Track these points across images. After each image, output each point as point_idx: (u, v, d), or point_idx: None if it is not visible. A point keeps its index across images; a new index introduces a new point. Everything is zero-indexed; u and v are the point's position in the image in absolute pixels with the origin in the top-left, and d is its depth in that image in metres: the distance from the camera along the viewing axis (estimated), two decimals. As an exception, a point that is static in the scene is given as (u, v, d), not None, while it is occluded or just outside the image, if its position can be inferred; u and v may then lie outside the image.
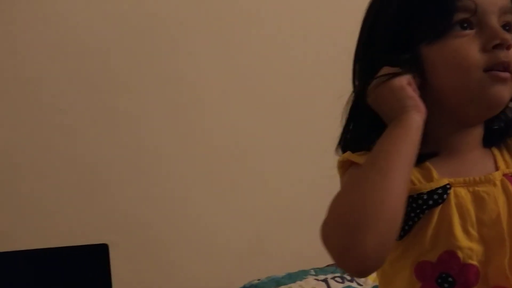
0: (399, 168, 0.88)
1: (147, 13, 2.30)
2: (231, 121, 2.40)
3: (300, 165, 2.43)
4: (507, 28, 0.98)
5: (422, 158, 0.97)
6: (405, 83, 0.94)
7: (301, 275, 2.21)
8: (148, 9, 2.30)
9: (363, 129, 1.01)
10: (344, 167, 0.99)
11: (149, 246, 2.30)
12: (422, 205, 0.94)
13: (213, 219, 2.37)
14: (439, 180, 0.95)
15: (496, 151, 1.02)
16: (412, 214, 0.95)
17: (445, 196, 0.94)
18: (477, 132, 1.01)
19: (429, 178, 0.97)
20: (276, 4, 2.44)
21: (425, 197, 0.94)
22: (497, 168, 0.99)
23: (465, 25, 0.95)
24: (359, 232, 0.84)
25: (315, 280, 2.17)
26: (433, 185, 0.95)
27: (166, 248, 2.32)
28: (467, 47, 0.94)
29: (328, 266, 2.29)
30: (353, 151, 0.99)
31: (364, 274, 0.90)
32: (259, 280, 2.22)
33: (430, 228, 0.94)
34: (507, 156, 1.02)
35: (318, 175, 2.25)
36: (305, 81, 2.45)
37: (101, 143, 2.26)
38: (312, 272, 2.24)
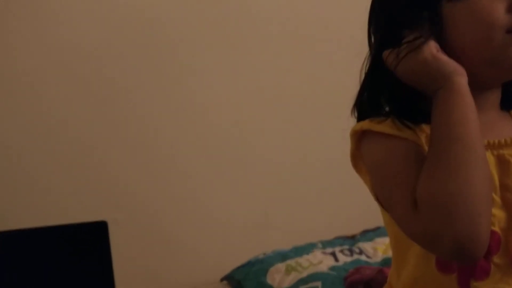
0: (478, 136, 0.85)
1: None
2: (234, 96, 2.36)
3: (305, 139, 2.41)
4: None
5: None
6: (435, 50, 0.90)
7: (308, 248, 2.18)
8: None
9: (381, 94, 0.96)
10: (357, 135, 0.95)
11: (150, 223, 2.28)
12: None
13: (216, 193, 2.35)
14: None
15: None
16: None
17: None
18: (495, 95, 0.97)
19: None
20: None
21: None
22: None
23: None
24: (479, 217, 0.81)
25: (323, 254, 2.13)
26: None
27: (167, 225, 2.30)
28: (493, 5, 0.90)
29: (335, 238, 2.26)
30: (368, 117, 0.95)
31: (480, 258, 0.85)
32: (264, 254, 2.19)
33: None
34: None
35: (324, 149, 2.24)
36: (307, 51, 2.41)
37: (99, 121, 2.23)
38: (320, 245, 2.21)
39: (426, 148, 0.90)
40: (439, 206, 0.82)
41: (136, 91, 2.27)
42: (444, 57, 0.90)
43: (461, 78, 0.88)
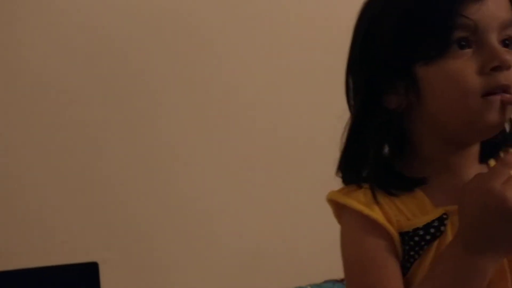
0: None
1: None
2: (219, 126, 2.35)
3: (295, 182, 2.41)
4: (507, 43, 0.92)
5: (412, 185, 0.92)
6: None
7: (298, 291, 2.18)
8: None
9: (362, 161, 0.95)
10: (336, 206, 0.95)
11: (141, 264, 2.26)
12: (419, 241, 0.90)
13: (207, 234, 2.33)
14: (434, 210, 0.91)
15: (493, 164, 0.97)
16: (412, 253, 0.91)
17: (442, 228, 0.90)
18: (474, 150, 0.96)
19: (423, 209, 0.92)
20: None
21: (421, 232, 0.90)
22: None
23: (463, 43, 0.90)
24: None
25: (312, 297, 2.13)
26: (428, 218, 0.90)
27: (159, 265, 2.28)
28: (465, 69, 0.89)
29: (325, 282, 2.25)
30: (348, 181, 0.95)
31: None
32: (254, 297, 2.19)
33: (425, 265, 0.90)
34: None
35: (315, 191, 2.24)
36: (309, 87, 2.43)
37: (90, 161, 2.22)
38: (309, 288, 2.21)
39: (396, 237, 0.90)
40: None
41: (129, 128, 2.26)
42: None
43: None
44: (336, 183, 0.99)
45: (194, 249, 2.33)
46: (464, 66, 0.89)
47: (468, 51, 0.89)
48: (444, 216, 0.90)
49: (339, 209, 0.95)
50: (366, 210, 0.91)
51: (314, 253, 2.30)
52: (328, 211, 0.97)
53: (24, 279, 1.73)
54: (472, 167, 0.95)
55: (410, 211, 0.91)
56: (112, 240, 2.22)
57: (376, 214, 0.91)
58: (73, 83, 2.20)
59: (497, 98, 0.88)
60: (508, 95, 0.89)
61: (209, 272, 2.33)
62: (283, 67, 2.40)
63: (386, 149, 0.96)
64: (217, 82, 2.34)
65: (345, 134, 0.97)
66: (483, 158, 0.98)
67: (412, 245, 0.90)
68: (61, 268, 1.77)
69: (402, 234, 0.90)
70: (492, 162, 0.98)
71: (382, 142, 0.95)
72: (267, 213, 2.40)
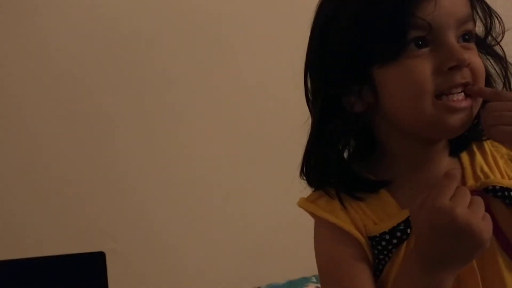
0: None
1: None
2: (224, 131, 2.36)
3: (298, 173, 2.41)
4: (467, 37, 0.90)
5: (377, 187, 0.92)
6: (471, 216, 0.82)
7: (302, 282, 2.19)
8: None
9: (321, 161, 0.95)
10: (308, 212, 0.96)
11: (147, 253, 2.27)
12: (387, 245, 0.90)
13: (212, 225, 2.35)
14: (400, 213, 0.90)
15: (465, 158, 0.95)
16: (382, 256, 0.90)
17: (408, 230, 0.89)
18: (442, 145, 0.94)
19: (389, 212, 0.91)
20: None
21: (387, 237, 0.90)
22: (464, 185, 0.91)
23: (420, 43, 0.87)
24: None
25: (317, 288, 2.15)
26: (394, 222, 0.90)
27: (165, 256, 2.30)
28: (421, 69, 0.87)
29: (329, 273, 2.26)
30: (312, 185, 0.96)
31: None
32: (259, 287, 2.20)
33: (395, 267, 0.90)
34: (479, 159, 0.94)
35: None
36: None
37: (96, 151, 2.23)
38: (314, 279, 2.22)
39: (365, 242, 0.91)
40: None
41: (135, 125, 2.27)
42: (482, 225, 0.83)
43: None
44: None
45: (201, 240, 2.34)
46: (420, 65, 0.87)
47: (425, 50, 0.88)
48: (410, 219, 0.89)
49: (311, 214, 0.97)
50: (332, 218, 0.92)
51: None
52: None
53: (32, 268, 1.74)
54: (442, 161, 0.94)
55: (377, 215, 0.91)
56: (119, 230, 2.23)
57: (342, 221, 0.91)
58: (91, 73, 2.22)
59: (451, 103, 0.87)
60: (476, 86, 0.88)
61: (216, 262, 2.35)
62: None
63: (350, 151, 0.95)
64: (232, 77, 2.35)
65: (307, 137, 0.97)
66: (454, 151, 0.96)
67: (380, 249, 0.90)
68: (68, 257, 1.77)
69: (371, 239, 0.90)
70: (465, 157, 0.95)
71: (344, 144, 0.94)
72: (273, 204, 2.41)
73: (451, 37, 0.88)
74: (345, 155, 0.97)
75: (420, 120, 0.88)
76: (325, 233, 0.93)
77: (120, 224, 2.24)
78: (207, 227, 2.35)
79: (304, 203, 0.97)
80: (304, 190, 2.44)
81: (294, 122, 2.35)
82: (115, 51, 2.23)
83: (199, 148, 2.33)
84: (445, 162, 0.94)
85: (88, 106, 2.21)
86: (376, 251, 0.90)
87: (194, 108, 2.31)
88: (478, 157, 0.95)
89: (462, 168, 0.94)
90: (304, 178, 0.99)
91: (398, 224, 0.90)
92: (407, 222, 0.89)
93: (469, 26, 0.90)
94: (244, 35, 2.36)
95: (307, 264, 2.31)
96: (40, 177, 2.18)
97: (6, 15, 2.15)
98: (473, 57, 0.89)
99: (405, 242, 0.89)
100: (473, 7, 0.92)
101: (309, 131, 0.97)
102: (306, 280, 2.21)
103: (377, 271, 0.91)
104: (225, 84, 2.34)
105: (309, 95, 0.97)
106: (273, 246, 2.41)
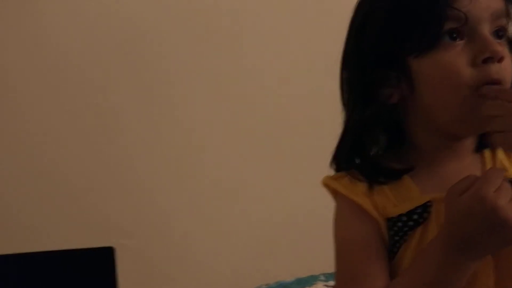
0: None
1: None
2: (234, 130, 2.36)
3: (310, 169, 2.41)
4: (501, 33, 0.92)
5: (400, 174, 0.94)
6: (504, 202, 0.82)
7: (311, 280, 2.19)
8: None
9: (352, 149, 0.97)
10: (329, 190, 0.99)
11: (158, 249, 2.28)
12: (403, 227, 0.92)
13: (222, 222, 2.35)
14: (419, 197, 0.92)
15: (487, 154, 0.97)
16: (397, 238, 0.92)
17: (425, 215, 0.91)
18: (468, 142, 0.96)
19: (409, 196, 0.93)
20: None
21: (404, 218, 0.92)
22: None
23: (455, 35, 0.89)
24: None
25: (325, 286, 2.14)
26: (412, 205, 0.92)
27: (174, 252, 2.30)
28: (456, 61, 0.88)
29: (338, 271, 2.26)
30: (340, 170, 0.98)
31: None
32: (267, 285, 2.20)
33: (410, 250, 0.91)
34: (500, 153, 0.96)
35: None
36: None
37: (106, 146, 2.24)
38: (322, 277, 2.22)
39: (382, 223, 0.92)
40: None
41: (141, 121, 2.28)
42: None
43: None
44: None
45: (211, 237, 2.34)
46: (455, 57, 0.88)
47: (459, 42, 0.89)
48: (428, 204, 0.91)
49: (333, 193, 0.99)
50: (352, 196, 0.94)
51: (327, 242, 2.32)
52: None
53: (41, 261, 1.75)
54: (466, 157, 0.96)
55: (397, 197, 0.93)
56: (130, 226, 2.24)
57: (362, 200, 0.94)
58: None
59: (488, 91, 0.88)
60: (497, 86, 0.88)
61: (226, 258, 2.35)
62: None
63: (377, 140, 0.98)
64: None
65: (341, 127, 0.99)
66: (478, 147, 0.98)
67: (396, 230, 0.92)
68: (78, 252, 1.78)
69: (388, 220, 0.93)
70: (487, 153, 0.97)
71: (374, 134, 0.96)
72: (282, 201, 2.41)
73: (486, 29, 0.90)
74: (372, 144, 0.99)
75: (455, 112, 0.90)
76: (345, 210, 0.96)
77: (131, 220, 2.24)
78: (217, 224, 2.35)
79: (327, 180, 0.98)
80: (314, 188, 2.44)
81: (305, 118, 2.38)
82: (124, 46, 2.24)
83: (209, 143, 2.33)
84: (469, 158, 0.96)
85: (99, 100, 2.22)
86: (392, 233, 0.92)
87: (203, 101, 2.31)
88: (500, 151, 0.97)
89: (484, 162, 0.96)
90: (334, 165, 1.00)
91: (416, 208, 0.92)
92: (425, 207, 0.91)
93: (503, 21, 0.92)
94: (253, 29, 2.37)
95: (315, 263, 2.32)
96: (51, 171, 2.19)
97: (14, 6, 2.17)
98: (505, 53, 0.91)
99: (421, 226, 0.91)
100: (507, 4, 0.93)
101: (343, 120, 0.99)
102: (314, 278, 2.21)
103: (391, 253, 0.93)
104: (234, 76, 2.35)
105: (344, 87, 0.99)
106: (282, 244, 2.41)
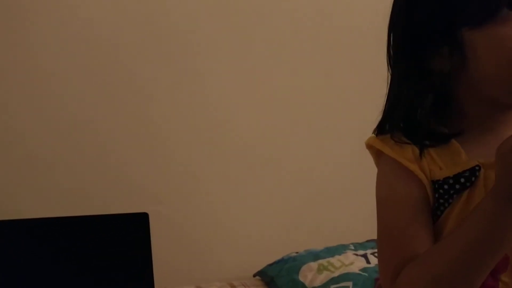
0: (486, 271, 0.84)
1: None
2: (263, 100, 2.38)
3: (338, 140, 2.42)
4: None
5: (448, 138, 0.93)
6: None
7: (340, 249, 2.21)
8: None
9: (399, 114, 0.95)
10: (373, 151, 0.97)
11: (189, 218, 2.32)
12: (449, 190, 0.91)
13: (251, 193, 2.38)
14: (468, 162, 0.91)
15: None
16: (442, 200, 0.92)
17: (473, 178, 0.90)
18: None
19: (457, 160, 0.92)
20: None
21: (451, 181, 0.91)
22: None
23: None
24: None
25: (354, 255, 2.16)
26: (460, 168, 0.91)
27: (205, 221, 2.34)
28: None
29: (367, 241, 2.28)
30: (383, 132, 0.96)
31: None
32: (297, 253, 2.23)
33: (455, 213, 0.91)
34: None
35: (357, 149, 2.25)
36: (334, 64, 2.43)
37: (143, 117, 2.28)
38: (351, 247, 2.24)
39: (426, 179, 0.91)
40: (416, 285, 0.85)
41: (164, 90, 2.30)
42: None
43: None
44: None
45: (244, 206, 2.38)
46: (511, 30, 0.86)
47: None
48: (477, 168, 0.90)
49: (377, 154, 0.97)
50: (400, 158, 0.93)
51: (356, 213, 2.33)
52: (371, 174, 1.00)
53: (83, 225, 1.78)
54: None
55: (444, 161, 0.92)
56: (164, 193, 2.28)
57: (409, 162, 0.92)
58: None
59: None
60: None
61: (256, 225, 2.38)
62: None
63: (427, 106, 0.96)
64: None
65: (387, 91, 0.97)
66: None
67: (441, 193, 0.91)
68: (116, 217, 1.81)
69: (434, 182, 0.92)
70: None
71: (423, 100, 0.95)
72: (310, 173, 2.43)
73: None
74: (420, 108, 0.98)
75: (509, 85, 0.88)
76: (390, 171, 0.94)
77: (164, 188, 2.28)
78: (249, 192, 2.38)
79: (374, 141, 0.96)
80: (345, 158, 2.44)
81: (334, 92, 2.38)
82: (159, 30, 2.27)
83: (241, 116, 2.36)
84: None
85: (135, 72, 2.26)
86: (437, 195, 0.92)
87: (232, 69, 2.34)
88: None
89: None
90: (378, 129, 0.98)
91: (464, 171, 0.91)
92: (473, 171, 0.91)
93: None
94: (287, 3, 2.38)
95: (345, 232, 2.34)
96: (89, 141, 2.23)
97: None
98: None
99: (468, 190, 0.91)
100: None
101: (389, 85, 0.97)
102: (344, 247, 2.23)
103: (435, 216, 0.93)
104: (267, 45, 2.37)
105: (391, 53, 0.98)
106: (311, 214, 2.43)
